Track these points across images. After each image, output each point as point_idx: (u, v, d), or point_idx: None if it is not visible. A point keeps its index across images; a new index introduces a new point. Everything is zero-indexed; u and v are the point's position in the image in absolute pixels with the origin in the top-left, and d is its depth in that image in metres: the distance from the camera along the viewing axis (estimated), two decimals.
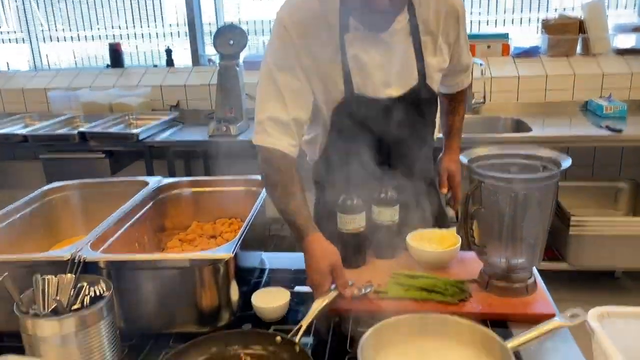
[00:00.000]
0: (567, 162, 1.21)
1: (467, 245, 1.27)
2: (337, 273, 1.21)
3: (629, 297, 2.89)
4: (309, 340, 1.18)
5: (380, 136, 1.42)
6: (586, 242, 2.82)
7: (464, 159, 1.27)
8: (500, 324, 1.20)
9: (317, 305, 1.16)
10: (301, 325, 1.12)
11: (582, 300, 1.74)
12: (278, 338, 1.10)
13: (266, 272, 1.52)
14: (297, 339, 1.08)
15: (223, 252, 1.14)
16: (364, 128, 1.41)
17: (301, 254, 1.64)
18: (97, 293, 1.02)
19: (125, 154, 3.08)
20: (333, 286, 1.21)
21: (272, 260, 1.59)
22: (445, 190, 1.64)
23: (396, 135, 1.42)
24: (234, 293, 1.21)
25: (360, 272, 1.41)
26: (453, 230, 1.46)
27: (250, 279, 1.41)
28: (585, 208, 3.09)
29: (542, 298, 1.26)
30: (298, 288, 1.36)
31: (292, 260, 1.59)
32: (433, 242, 1.44)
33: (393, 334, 1.06)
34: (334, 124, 1.45)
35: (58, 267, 1.09)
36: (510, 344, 0.99)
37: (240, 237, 1.20)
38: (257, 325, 1.24)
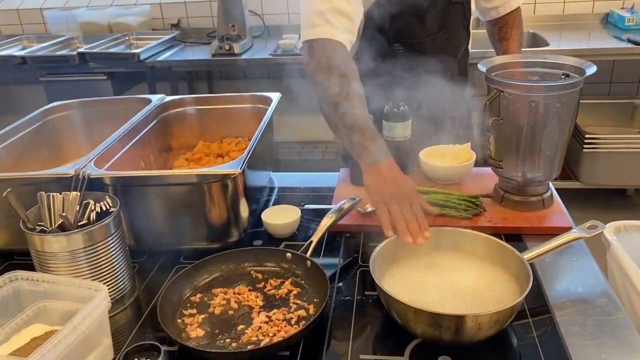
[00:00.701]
0: (591, 69, 1.13)
1: (482, 159, 1.23)
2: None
3: None
4: (320, 256, 1.17)
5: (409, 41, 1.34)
6: (600, 160, 2.78)
7: (482, 67, 1.20)
8: (515, 238, 1.17)
9: (327, 222, 1.13)
10: (312, 241, 1.10)
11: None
12: (289, 254, 1.08)
13: (275, 190, 1.50)
14: (308, 254, 1.07)
15: (231, 168, 1.10)
16: (394, 30, 1.33)
17: (310, 174, 1.63)
18: (104, 209, 0.99)
19: (127, 75, 3.00)
20: (346, 203, 1.18)
21: (282, 179, 1.56)
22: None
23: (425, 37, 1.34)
24: (244, 210, 1.19)
25: None
26: (468, 145, 1.41)
27: (259, 197, 1.39)
28: (600, 126, 3.01)
29: (559, 212, 1.23)
30: (308, 206, 1.34)
31: (301, 179, 1.56)
32: (447, 158, 1.40)
33: (405, 249, 1.04)
34: (366, 27, 1.37)
35: (62, 184, 1.07)
36: (527, 255, 0.97)
37: (249, 153, 1.16)
38: (267, 242, 1.22)
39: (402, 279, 0.99)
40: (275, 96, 1.49)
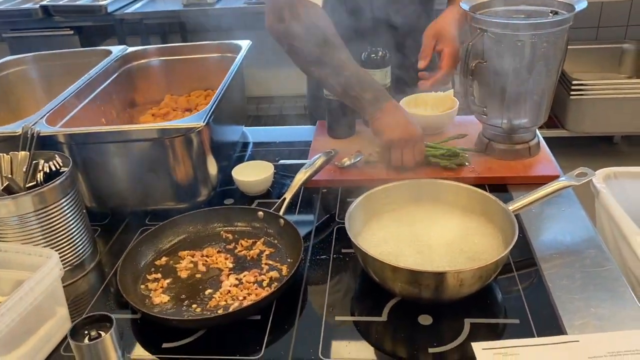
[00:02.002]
0: (581, 4, 1.05)
1: (465, 105, 1.15)
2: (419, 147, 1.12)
3: (627, 162, 2.84)
4: (295, 213, 1.10)
5: None
6: (587, 107, 2.72)
7: (464, 5, 1.10)
8: (500, 189, 1.11)
9: (301, 177, 1.06)
10: (285, 198, 1.03)
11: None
12: (260, 213, 1.01)
13: (250, 146, 1.42)
14: (281, 212, 1.00)
15: (194, 121, 1.02)
16: None
17: (287, 128, 1.54)
18: (54, 169, 0.91)
19: (96, 29, 2.85)
20: (322, 157, 1.11)
21: (256, 134, 1.48)
22: (423, 64, 1.24)
23: None
24: (212, 166, 1.11)
25: (349, 142, 1.30)
26: (450, 92, 1.33)
27: (230, 154, 1.31)
28: (587, 72, 2.94)
29: (546, 160, 1.17)
30: (282, 161, 1.26)
31: (277, 133, 1.48)
32: (429, 106, 1.32)
33: (384, 202, 0.98)
34: None
35: (11, 144, 0.98)
36: (512, 206, 0.91)
37: (213, 105, 1.07)
38: (239, 201, 1.15)
39: (380, 235, 0.93)
40: (244, 44, 1.39)
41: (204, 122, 1.00)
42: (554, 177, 1.08)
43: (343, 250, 0.97)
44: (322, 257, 0.97)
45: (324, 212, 1.11)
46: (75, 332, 0.65)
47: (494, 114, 1.15)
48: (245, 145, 1.42)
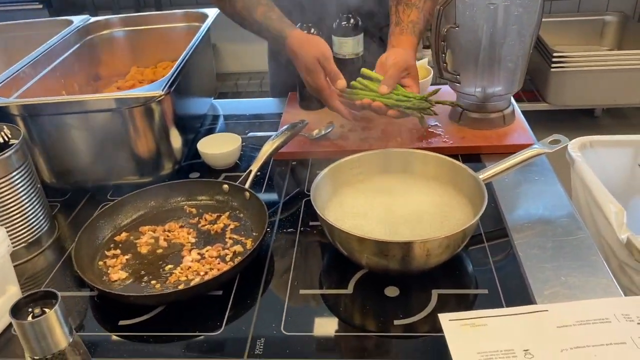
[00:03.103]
0: None
1: (438, 73, 1.12)
2: (324, 64, 1.04)
3: (608, 135, 2.84)
4: (263, 187, 1.07)
5: None
6: (568, 79, 2.69)
7: None
8: (474, 159, 1.09)
9: (268, 148, 1.02)
10: (250, 170, 0.99)
11: None
12: (225, 186, 0.98)
13: (220, 119, 1.37)
14: (246, 185, 0.97)
15: (153, 89, 0.97)
16: None
17: (258, 100, 1.50)
18: (1, 141, 0.86)
19: (66, 3, 2.75)
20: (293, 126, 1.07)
21: (226, 106, 1.43)
22: (385, 90, 1.03)
23: None
24: (175, 139, 1.07)
25: (321, 113, 1.26)
26: (424, 61, 1.29)
27: (197, 126, 1.26)
28: (569, 45, 2.91)
29: (521, 128, 1.15)
30: (251, 133, 1.22)
31: (248, 105, 1.44)
32: None
33: (352, 173, 0.95)
34: None
35: None
36: (483, 175, 0.89)
37: (174, 74, 1.02)
38: (206, 175, 1.11)
39: (347, 206, 0.90)
40: (211, 12, 1.33)
41: (162, 90, 0.96)
42: (528, 146, 1.06)
43: (311, 223, 0.94)
44: (289, 230, 0.93)
45: (293, 185, 1.07)
46: (18, 310, 0.61)
47: (467, 81, 1.11)
48: (215, 118, 1.37)
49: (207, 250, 0.87)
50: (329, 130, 1.16)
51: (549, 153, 0.93)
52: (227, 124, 1.34)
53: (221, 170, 1.11)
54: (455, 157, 1.06)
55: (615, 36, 3.02)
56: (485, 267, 0.83)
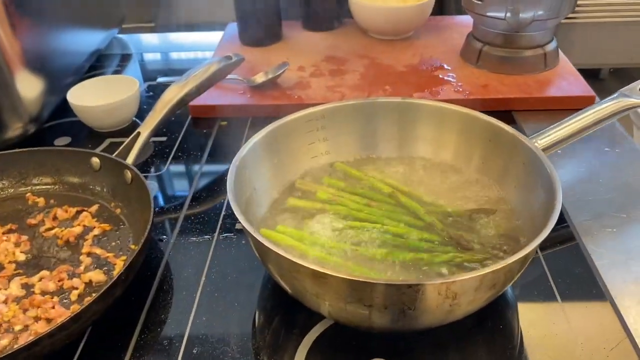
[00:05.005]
0: None
1: None
2: None
3: None
4: (167, 161, 0.66)
5: None
6: (575, 33, 2.32)
7: None
8: (503, 119, 0.70)
9: (173, 95, 0.62)
10: (138, 133, 0.59)
11: None
12: (95, 160, 0.57)
13: (132, 59, 0.95)
14: (129, 159, 0.56)
15: None
16: None
17: (185, 34, 1.09)
18: None
19: None
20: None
21: (143, 42, 1.01)
22: None
23: None
24: (26, 85, 0.66)
25: (271, 52, 0.86)
26: None
27: (77, 67, 0.84)
28: None
29: (569, 73, 0.76)
30: (162, 79, 0.81)
31: (174, 40, 1.02)
32: None
33: (310, 141, 0.55)
34: None
35: None
36: (541, 140, 0.50)
37: None
38: (84, 140, 0.71)
39: (297, 207, 0.50)
40: None
41: None
42: (589, 100, 0.68)
43: (238, 226, 0.55)
44: (198, 239, 0.54)
45: (217, 160, 0.67)
46: None
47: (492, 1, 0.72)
48: (124, 58, 0.95)
49: (39, 280, 0.47)
50: (281, 72, 0.75)
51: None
52: (139, 67, 0.93)
53: (107, 134, 0.71)
54: None
55: None
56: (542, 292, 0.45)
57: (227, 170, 0.46)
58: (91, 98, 0.69)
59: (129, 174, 0.55)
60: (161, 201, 0.60)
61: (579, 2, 2.23)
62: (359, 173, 0.53)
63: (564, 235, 0.53)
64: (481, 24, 0.76)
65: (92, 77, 0.85)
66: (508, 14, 0.73)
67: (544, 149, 0.50)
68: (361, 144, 0.57)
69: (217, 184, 0.62)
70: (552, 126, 0.52)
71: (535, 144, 0.50)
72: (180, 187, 0.62)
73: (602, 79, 2.69)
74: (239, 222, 0.44)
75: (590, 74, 2.68)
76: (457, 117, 0.54)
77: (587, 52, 2.37)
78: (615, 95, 0.56)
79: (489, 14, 0.74)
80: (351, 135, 0.56)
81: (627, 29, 2.26)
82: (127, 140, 0.58)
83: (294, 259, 0.37)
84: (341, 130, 0.56)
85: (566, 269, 0.49)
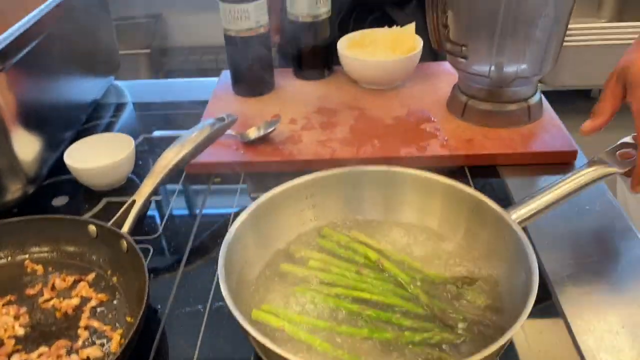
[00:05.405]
0: None
1: (436, 43, 0.74)
2: (273, 14, 0.88)
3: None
4: (162, 224, 0.68)
5: None
6: (567, 56, 2.35)
7: None
8: (487, 173, 0.72)
9: (169, 160, 0.64)
10: (134, 201, 0.61)
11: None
12: (92, 228, 0.59)
13: (127, 109, 0.97)
14: (125, 228, 0.58)
15: None
16: None
17: (180, 81, 1.10)
18: None
19: None
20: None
21: (139, 89, 1.03)
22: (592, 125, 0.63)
23: None
24: (24, 144, 0.68)
25: (265, 101, 0.89)
26: (411, 26, 0.91)
27: (78, 120, 0.86)
28: None
29: (553, 126, 0.78)
30: (157, 133, 0.83)
31: (170, 88, 1.05)
32: (380, 47, 0.91)
33: (300, 215, 0.57)
34: None
35: None
36: (516, 213, 0.52)
37: (8, 39, 0.63)
38: (81, 199, 0.72)
39: (294, 302, 0.52)
40: None
41: None
42: (571, 155, 0.71)
43: None
44: (191, 309, 0.56)
45: (213, 218, 0.69)
46: None
47: (477, 56, 0.74)
48: (119, 107, 0.97)
49: (39, 357, 0.49)
50: (272, 128, 0.77)
51: None
52: (134, 117, 0.95)
53: (103, 193, 0.72)
54: (460, 169, 0.71)
55: (614, 7, 2.69)
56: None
57: (221, 228, 0.48)
58: (87, 158, 0.71)
59: (124, 244, 0.56)
60: (157, 263, 0.62)
61: (570, 27, 2.27)
62: (346, 239, 0.55)
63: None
64: (466, 78, 0.79)
65: (88, 129, 0.88)
66: (492, 69, 0.75)
67: (525, 220, 0.53)
68: (349, 208, 0.59)
69: (211, 248, 0.63)
70: (530, 197, 0.54)
71: (514, 216, 0.52)
72: (175, 250, 0.64)
73: (593, 98, 2.73)
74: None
75: (581, 94, 2.73)
76: (441, 187, 0.56)
77: (578, 74, 2.41)
78: (592, 160, 0.58)
79: (472, 69, 0.76)
80: (338, 201, 0.59)
81: (613, 52, 2.29)
82: (123, 208, 0.60)
83: (284, 354, 0.39)
84: (329, 197, 0.58)
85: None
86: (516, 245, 0.48)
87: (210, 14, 1.20)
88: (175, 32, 2.90)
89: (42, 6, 0.72)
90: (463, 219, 0.54)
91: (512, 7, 0.68)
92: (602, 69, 2.55)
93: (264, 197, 0.54)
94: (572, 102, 2.66)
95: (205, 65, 2.98)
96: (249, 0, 0.81)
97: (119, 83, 1.04)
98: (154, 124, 0.89)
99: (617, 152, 0.58)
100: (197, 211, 0.70)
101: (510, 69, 0.74)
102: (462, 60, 0.75)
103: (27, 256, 0.60)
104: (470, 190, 0.54)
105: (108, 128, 0.90)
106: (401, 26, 0.91)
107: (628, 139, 0.60)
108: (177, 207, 0.71)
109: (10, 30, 0.64)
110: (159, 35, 2.77)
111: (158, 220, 0.68)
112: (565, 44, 2.44)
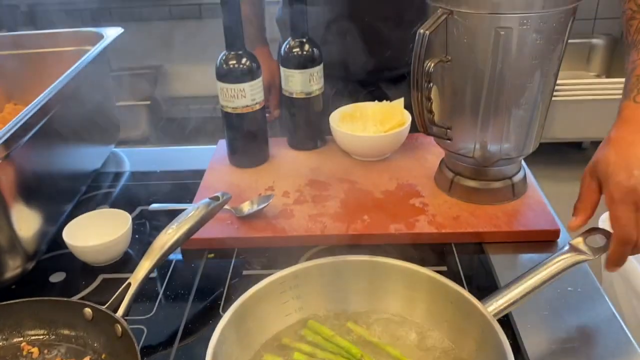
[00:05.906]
0: None
1: (422, 128, 0.77)
2: (272, 91, 1.09)
3: None
4: (156, 303, 0.70)
5: None
6: (557, 110, 2.42)
7: None
8: (473, 249, 0.75)
9: (162, 243, 0.66)
10: (129, 284, 0.63)
11: (549, 176, 1.49)
12: (88, 311, 0.61)
13: (125, 178, 1.00)
14: (119, 312, 0.60)
15: None
16: None
17: (179, 149, 1.13)
18: None
19: None
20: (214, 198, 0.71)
21: (138, 157, 1.06)
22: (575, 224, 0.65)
23: None
24: (24, 222, 0.70)
25: (263, 171, 0.92)
26: (399, 102, 0.95)
27: (77, 191, 0.89)
28: None
29: (537, 203, 0.81)
30: (154, 206, 0.85)
31: (169, 156, 1.08)
32: (370, 121, 0.94)
33: (284, 313, 0.59)
34: None
35: None
36: (492, 306, 0.54)
37: (16, 125, 0.66)
38: (78, 274, 0.74)
39: None
40: (112, 32, 0.97)
41: None
42: (553, 233, 0.73)
43: None
44: None
45: (207, 296, 0.71)
46: None
47: (461, 136, 0.78)
48: (117, 176, 1.00)
49: None
50: (265, 204, 0.80)
51: None
52: (132, 187, 0.97)
53: (100, 269, 0.74)
54: (446, 245, 0.74)
55: (603, 61, 2.77)
56: None
57: (215, 297, 0.50)
58: (85, 235, 0.73)
59: (119, 328, 0.58)
60: (151, 341, 0.63)
61: (558, 82, 2.34)
62: (330, 333, 0.57)
63: None
64: (451, 158, 0.82)
65: (86, 200, 0.90)
66: (477, 148, 0.78)
67: (503, 310, 0.55)
68: (333, 298, 0.60)
69: (204, 327, 0.65)
70: (508, 287, 0.56)
71: (491, 307, 0.54)
72: (169, 330, 0.65)
73: (585, 149, 2.78)
74: None
75: (573, 145, 2.78)
76: (424, 278, 0.58)
77: (569, 127, 2.47)
78: (565, 248, 0.61)
79: (457, 149, 0.79)
80: (323, 290, 0.60)
81: (603, 106, 2.36)
82: (118, 291, 0.62)
83: None
84: (313, 287, 0.60)
85: None
86: (494, 340, 0.50)
87: (210, 66, 1.25)
88: (174, 81, 2.97)
89: (49, 88, 0.76)
90: (448, 311, 0.56)
91: (493, 93, 0.72)
92: (593, 122, 2.62)
93: (248, 293, 0.56)
94: (565, 153, 2.72)
95: (203, 114, 3.04)
96: (246, 80, 0.85)
97: (118, 150, 1.07)
98: (151, 194, 0.91)
99: (586, 239, 0.61)
100: (191, 289, 0.71)
101: (493, 148, 0.77)
102: (448, 141, 0.78)
103: (23, 338, 0.62)
104: (451, 283, 0.56)
105: (106, 198, 0.93)
106: (391, 101, 0.95)
107: (600, 224, 0.63)
108: (171, 284, 0.73)
109: (16, 119, 0.67)
110: (159, 84, 2.84)
111: (153, 298, 0.70)
112: (555, 98, 2.49)
